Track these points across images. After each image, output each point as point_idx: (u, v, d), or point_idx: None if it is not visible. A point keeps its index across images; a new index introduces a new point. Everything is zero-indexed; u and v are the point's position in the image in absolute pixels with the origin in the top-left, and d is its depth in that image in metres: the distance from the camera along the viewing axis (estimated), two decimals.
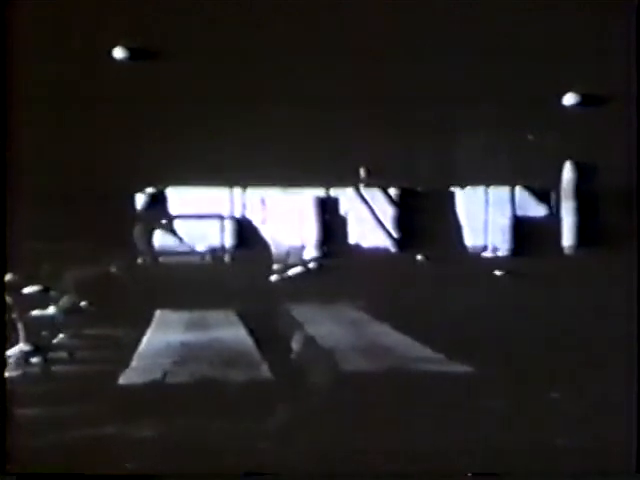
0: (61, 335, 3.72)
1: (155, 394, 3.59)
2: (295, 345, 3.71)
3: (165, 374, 3.63)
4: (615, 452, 3.54)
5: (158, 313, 3.72)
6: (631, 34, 3.54)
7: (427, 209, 3.71)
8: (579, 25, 3.57)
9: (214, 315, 3.75)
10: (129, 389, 3.59)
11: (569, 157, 3.69)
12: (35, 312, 3.67)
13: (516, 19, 3.57)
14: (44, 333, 3.70)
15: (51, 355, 3.70)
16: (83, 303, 3.72)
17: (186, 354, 3.69)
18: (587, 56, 3.58)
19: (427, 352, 3.71)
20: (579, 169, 3.69)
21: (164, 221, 3.73)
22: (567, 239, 3.70)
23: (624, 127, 3.58)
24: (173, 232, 3.74)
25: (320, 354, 3.70)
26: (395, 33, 3.60)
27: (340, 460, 3.59)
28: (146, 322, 3.71)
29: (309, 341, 3.72)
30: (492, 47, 3.59)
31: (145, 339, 3.68)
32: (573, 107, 3.64)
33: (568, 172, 3.69)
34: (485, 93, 3.62)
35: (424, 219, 3.72)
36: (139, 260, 3.71)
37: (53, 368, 3.69)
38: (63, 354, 3.71)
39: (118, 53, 3.65)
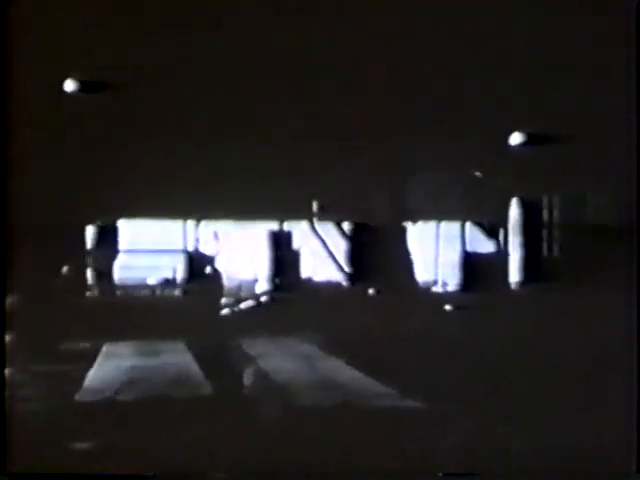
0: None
1: None
2: (247, 379, 3.68)
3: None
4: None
5: (106, 347, 3.67)
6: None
7: (379, 244, 3.76)
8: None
9: (165, 347, 3.71)
10: None
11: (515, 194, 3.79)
12: None
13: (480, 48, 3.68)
14: None
15: None
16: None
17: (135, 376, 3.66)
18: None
19: (379, 387, 3.71)
20: (525, 205, 3.78)
21: (116, 254, 3.70)
22: (514, 274, 3.77)
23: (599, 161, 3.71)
24: (125, 265, 3.71)
25: (273, 388, 3.68)
26: (348, 70, 3.67)
27: None
28: (94, 356, 3.66)
29: (261, 375, 3.70)
30: (450, 79, 3.69)
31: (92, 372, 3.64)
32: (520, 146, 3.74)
33: (515, 209, 3.78)
34: (437, 131, 3.71)
35: (376, 253, 3.75)
36: (89, 293, 3.67)
37: None
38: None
39: (69, 86, 3.65)
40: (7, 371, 3.60)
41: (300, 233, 3.76)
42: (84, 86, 3.63)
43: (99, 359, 3.67)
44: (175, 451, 3.60)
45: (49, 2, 3.63)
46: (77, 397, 3.62)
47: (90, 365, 3.66)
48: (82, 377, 3.64)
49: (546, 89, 3.69)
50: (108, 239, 3.67)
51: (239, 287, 3.72)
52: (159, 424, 3.61)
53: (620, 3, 3.65)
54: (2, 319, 3.54)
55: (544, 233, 3.78)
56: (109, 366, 3.67)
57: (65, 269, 3.61)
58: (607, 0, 3.66)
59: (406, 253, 3.77)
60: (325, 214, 3.73)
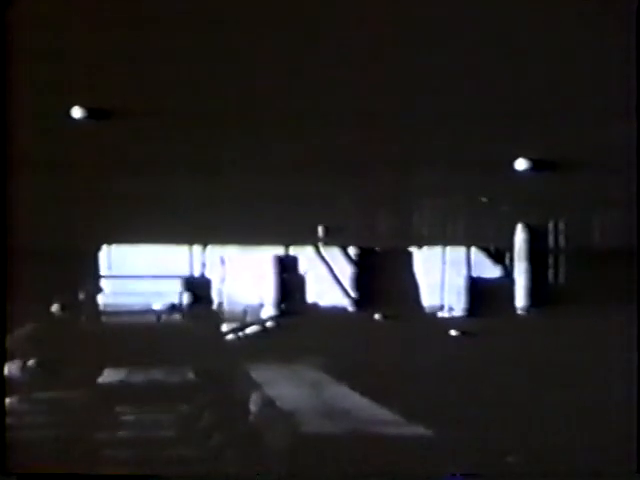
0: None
1: None
2: (253, 405, 3.67)
3: None
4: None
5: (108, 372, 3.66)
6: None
7: (385, 268, 3.76)
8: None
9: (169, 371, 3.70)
10: None
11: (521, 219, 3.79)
12: None
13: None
14: None
15: None
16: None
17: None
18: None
19: (385, 414, 3.70)
20: (531, 231, 3.78)
21: (122, 280, 3.69)
22: (520, 299, 3.77)
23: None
24: (129, 291, 3.70)
25: (278, 414, 3.67)
26: (352, 94, 3.68)
27: None
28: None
29: (267, 401, 3.68)
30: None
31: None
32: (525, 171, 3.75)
33: (520, 234, 3.78)
34: (443, 156, 3.72)
35: (382, 278, 3.75)
36: (94, 319, 3.66)
37: None
38: None
39: (76, 113, 3.66)
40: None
41: (306, 258, 3.76)
42: (89, 113, 3.64)
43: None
44: (178, 466, 3.58)
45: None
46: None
47: (93, 389, 3.65)
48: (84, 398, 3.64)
49: (551, 113, 3.70)
50: (112, 265, 3.67)
51: (245, 312, 3.72)
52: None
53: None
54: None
55: (550, 258, 3.78)
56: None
57: (75, 296, 3.62)
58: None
59: (412, 278, 3.77)
60: (331, 239, 3.74)
